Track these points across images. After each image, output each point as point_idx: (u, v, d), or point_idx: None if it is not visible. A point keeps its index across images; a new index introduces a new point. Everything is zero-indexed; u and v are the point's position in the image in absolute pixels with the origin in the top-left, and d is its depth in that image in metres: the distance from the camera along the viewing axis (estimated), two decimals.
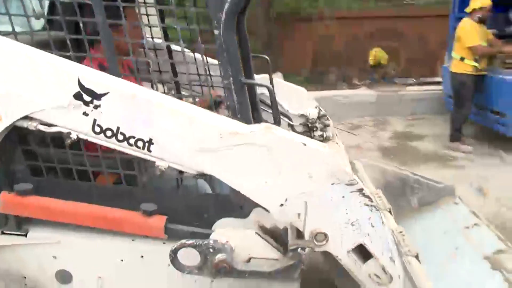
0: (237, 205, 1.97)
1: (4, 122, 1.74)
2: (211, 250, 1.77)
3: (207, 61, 2.56)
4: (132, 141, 1.72)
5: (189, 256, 1.79)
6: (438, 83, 9.00)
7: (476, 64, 6.53)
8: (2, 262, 2.04)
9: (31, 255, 2.02)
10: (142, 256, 1.98)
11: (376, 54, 10.23)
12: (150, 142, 1.72)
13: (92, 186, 1.96)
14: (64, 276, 2.04)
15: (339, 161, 1.78)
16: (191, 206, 1.96)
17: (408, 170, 3.11)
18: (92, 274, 2.02)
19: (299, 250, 1.77)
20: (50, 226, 1.97)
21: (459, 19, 6.97)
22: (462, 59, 6.61)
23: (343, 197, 1.77)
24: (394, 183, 3.00)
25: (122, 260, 1.99)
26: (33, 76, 1.69)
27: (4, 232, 1.99)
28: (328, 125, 2.83)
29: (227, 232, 1.84)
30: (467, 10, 6.66)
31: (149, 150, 1.73)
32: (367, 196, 1.80)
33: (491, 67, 6.77)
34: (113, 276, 2.02)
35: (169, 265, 1.95)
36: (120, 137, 1.72)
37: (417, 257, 2.19)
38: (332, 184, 1.76)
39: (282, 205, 1.78)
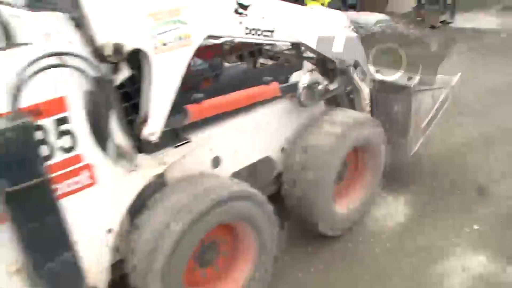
0: None
1: (195, 41, 2.30)
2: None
3: None
4: (267, 33, 2.61)
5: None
6: None
7: None
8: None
9: (195, 154, 2.61)
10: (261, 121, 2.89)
11: None
12: (272, 30, 2.65)
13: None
14: (216, 161, 2.73)
15: None
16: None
17: None
18: (232, 150, 2.79)
19: None
20: (202, 128, 2.61)
21: None
22: None
23: None
24: None
25: (250, 130, 2.84)
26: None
27: (176, 145, 2.50)
28: None
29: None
30: None
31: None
32: None
33: None
34: (244, 144, 2.84)
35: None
36: (259, 32, 2.58)
37: None
38: None
39: None
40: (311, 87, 2.93)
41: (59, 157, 1.93)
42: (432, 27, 10.00)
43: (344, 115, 3.13)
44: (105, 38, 1.93)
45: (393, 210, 3.66)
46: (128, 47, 1.99)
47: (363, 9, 9.38)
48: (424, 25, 9.96)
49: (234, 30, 2.48)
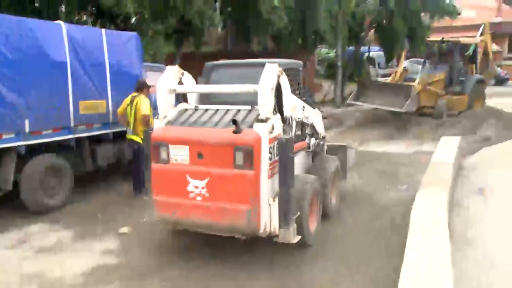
0: None
1: (296, 120, 5.86)
2: None
3: None
4: (307, 117, 6.32)
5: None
6: None
7: None
8: None
9: None
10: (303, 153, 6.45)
11: None
12: (307, 117, 6.36)
13: None
14: None
15: None
16: None
17: None
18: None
19: None
20: None
21: None
22: None
23: None
24: None
25: (298, 161, 6.35)
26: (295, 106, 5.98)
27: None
28: None
29: None
30: None
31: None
32: None
33: None
34: (296, 168, 6.30)
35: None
36: (306, 117, 6.27)
37: None
38: None
39: None
40: (318, 144, 6.66)
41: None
42: None
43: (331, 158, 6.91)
44: (287, 114, 5.41)
45: None
46: (288, 117, 5.49)
47: None
48: None
49: (301, 115, 6.14)
